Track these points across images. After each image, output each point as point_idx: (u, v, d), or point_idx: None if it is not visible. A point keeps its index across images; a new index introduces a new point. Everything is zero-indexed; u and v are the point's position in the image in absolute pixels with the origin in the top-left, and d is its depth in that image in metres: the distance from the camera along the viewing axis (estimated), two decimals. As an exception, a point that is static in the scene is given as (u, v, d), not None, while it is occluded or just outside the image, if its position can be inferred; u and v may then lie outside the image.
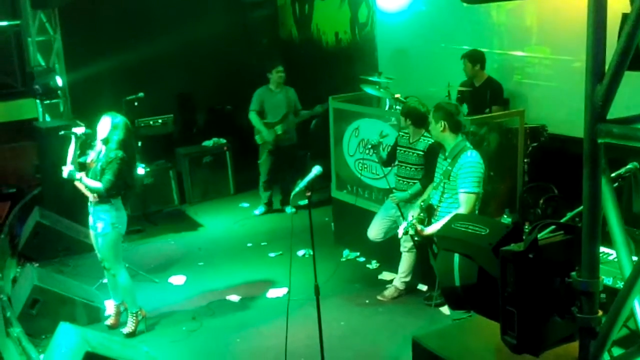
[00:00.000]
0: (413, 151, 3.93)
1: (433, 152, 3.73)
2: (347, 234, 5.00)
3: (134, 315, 3.83)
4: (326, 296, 3.91)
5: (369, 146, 4.21)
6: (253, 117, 5.64)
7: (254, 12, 8.14)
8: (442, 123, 3.35)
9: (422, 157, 3.87)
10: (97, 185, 3.60)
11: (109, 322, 3.93)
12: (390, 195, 4.00)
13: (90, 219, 3.76)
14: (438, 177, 3.47)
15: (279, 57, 5.86)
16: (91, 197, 3.68)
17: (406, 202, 3.91)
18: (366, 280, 4.45)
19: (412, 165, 3.93)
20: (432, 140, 3.77)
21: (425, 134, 3.88)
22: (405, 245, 4.00)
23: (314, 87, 6.88)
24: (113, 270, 3.81)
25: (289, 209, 5.67)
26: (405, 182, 3.96)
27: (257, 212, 5.92)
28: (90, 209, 3.73)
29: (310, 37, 7.52)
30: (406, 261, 4.07)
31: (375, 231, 4.13)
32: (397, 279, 4.14)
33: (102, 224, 3.68)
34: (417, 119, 3.87)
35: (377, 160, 4.28)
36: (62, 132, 3.88)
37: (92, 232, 3.80)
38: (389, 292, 4.14)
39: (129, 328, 3.81)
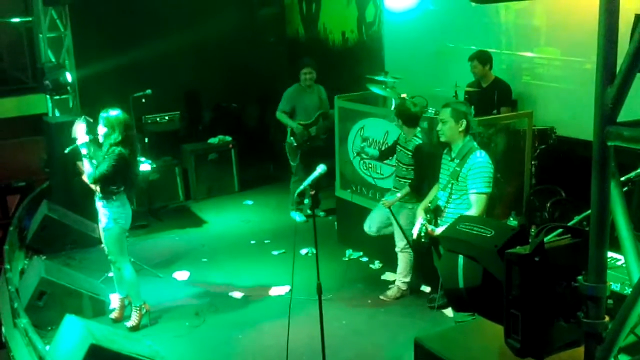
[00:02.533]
0: (406, 151, 3.95)
1: (420, 153, 3.75)
2: (351, 234, 4.98)
3: (138, 309, 3.85)
4: (328, 295, 3.92)
5: (355, 153, 4.26)
6: (281, 116, 5.40)
7: (262, 10, 8.15)
8: (464, 122, 3.33)
9: (411, 157, 3.87)
10: (90, 170, 3.62)
11: (114, 315, 3.95)
12: (382, 200, 4.02)
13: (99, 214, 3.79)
14: (445, 178, 3.45)
15: (309, 56, 5.61)
16: (95, 188, 3.70)
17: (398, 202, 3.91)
18: (369, 280, 4.44)
19: (404, 165, 3.96)
20: (421, 141, 3.78)
21: (417, 134, 3.89)
22: (399, 244, 4.01)
23: (321, 86, 6.86)
24: (118, 264, 3.84)
25: (298, 216, 5.54)
26: (401, 182, 3.98)
27: (298, 218, 5.57)
28: (96, 203, 3.76)
29: (317, 35, 7.51)
30: (402, 261, 4.07)
31: (368, 224, 4.15)
32: (398, 279, 4.13)
33: (106, 219, 3.72)
34: (407, 118, 3.88)
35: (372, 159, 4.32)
36: (67, 150, 3.84)
37: (99, 226, 3.83)
38: (392, 292, 4.13)
39: (132, 322, 3.84)
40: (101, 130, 3.65)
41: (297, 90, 5.46)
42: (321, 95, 5.50)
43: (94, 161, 3.65)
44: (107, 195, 3.69)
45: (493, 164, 3.40)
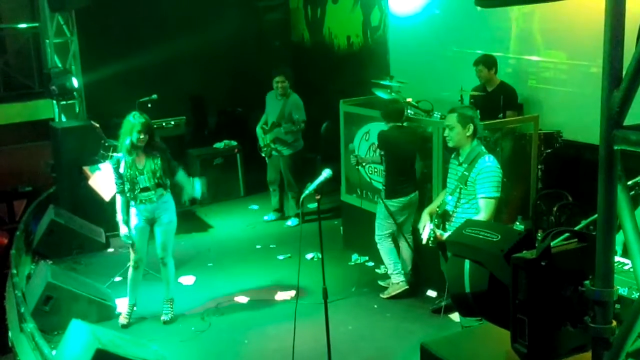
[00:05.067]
0: None
1: (381, 138, 4.03)
2: (356, 238, 4.98)
3: (171, 302, 3.98)
4: (334, 300, 3.91)
5: (355, 165, 4.39)
6: (262, 119, 5.66)
7: (267, 15, 8.19)
8: (471, 127, 3.34)
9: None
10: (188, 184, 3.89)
11: (124, 321, 3.96)
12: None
13: (135, 219, 3.80)
14: (453, 183, 3.45)
15: (283, 64, 5.77)
16: (154, 195, 3.79)
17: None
18: (374, 284, 4.43)
19: (383, 156, 4.12)
20: (383, 129, 4.04)
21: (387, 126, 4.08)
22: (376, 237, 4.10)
23: (325, 91, 6.89)
24: (166, 259, 3.93)
25: (292, 221, 5.65)
26: (383, 174, 4.13)
27: (266, 217, 5.86)
28: (144, 205, 3.77)
29: (322, 40, 7.54)
30: (380, 252, 4.13)
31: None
32: (390, 275, 4.16)
33: (169, 213, 3.85)
34: (386, 114, 4.06)
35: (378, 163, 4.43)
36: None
37: (134, 231, 3.82)
38: (390, 289, 4.16)
39: (169, 315, 3.95)
40: (144, 136, 3.70)
41: (270, 96, 5.60)
42: (287, 105, 5.43)
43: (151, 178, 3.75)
44: (166, 188, 3.82)
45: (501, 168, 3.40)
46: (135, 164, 3.73)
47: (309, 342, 3.48)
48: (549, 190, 4.30)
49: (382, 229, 4.09)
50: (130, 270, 3.94)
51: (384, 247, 4.11)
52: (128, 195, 3.78)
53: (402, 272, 4.10)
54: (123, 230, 3.84)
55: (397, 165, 4.01)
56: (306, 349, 3.44)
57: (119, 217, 3.85)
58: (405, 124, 4.10)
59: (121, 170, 3.75)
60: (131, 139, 3.69)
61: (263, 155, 5.62)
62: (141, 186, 3.75)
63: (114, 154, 3.86)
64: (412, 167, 4.14)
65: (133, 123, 3.70)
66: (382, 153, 4.04)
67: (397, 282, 4.10)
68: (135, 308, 4.02)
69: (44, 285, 3.91)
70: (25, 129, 7.02)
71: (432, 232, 3.43)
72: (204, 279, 4.69)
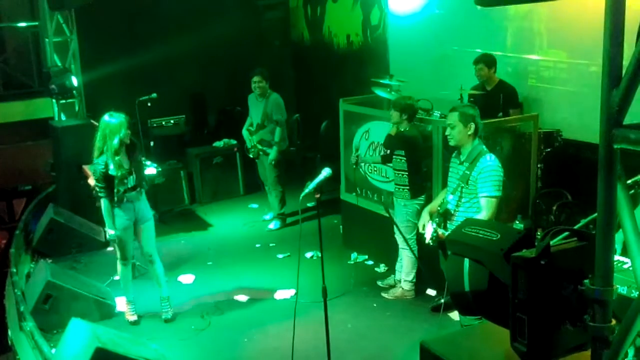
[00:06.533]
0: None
1: (408, 140, 3.99)
2: (356, 237, 4.98)
3: (168, 299, 3.97)
4: (334, 298, 3.91)
5: (353, 164, 4.35)
6: (247, 122, 5.62)
7: (267, 14, 8.19)
8: (473, 126, 3.33)
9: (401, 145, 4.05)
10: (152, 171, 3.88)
11: (132, 318, 3.97)
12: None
13: (121, 219, 3.77)
14: (455, 182, 3.44)
15: (259, 65, 5.70)
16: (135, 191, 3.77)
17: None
18: (374, 283, 4.43)
19: (399, 156, 4.04)
20: (407, 128, 3.99)
21: (406, 127, 4.04)
22: (398, 242, 4.05)
23: (325, 90, 6.89)
24: (154, 256, 3.93)
25: (274, 224, 5.62)
26: (398, 175, 4.06)
27: (266, 217, 5.84)
28: (130, 204, 3.76)
29: (321, 39, 7.53)
30: (404, 259, 4.10)
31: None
32: (402, 279, 4.16)
33: (148, 210, 3.88)
34: (413, 113, 4.03)
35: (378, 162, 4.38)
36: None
37: (123, 231, 3.80)
38: (394, 290, 4.16)
39: (169, 313, 3.94)
40: (129, 131, 3.74)
41: (251, 98, 5.58)
42: (267, 106, 5.40)
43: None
44: (143, 188, 3.84)
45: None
46: (123, 164, 3.71)
47: (308, 341, 3.48)
48: (548, 189, 4.30)
49: (410, 230, 4.02)
50: (120, 267, 3.94)
51: (412, 253, 4.04)
52: (115, 196, 3.71)
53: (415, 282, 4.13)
54: (112, 232, 3.79)
55: (419, 164, 4.02)
56: (306, 348, 3.44)
57: (110, 230, 3.75)
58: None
59: (111, 171, 3.68)
60: (120, 138, 3.64)
61: (251, 156, 5.61)
62: (129, 185, 3.72)
63: (96, 159, 3.72)
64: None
65: (119, 121, 3.68)
66: (403, 153, 3.98)
67: (409, 289, 4.13)
68: (134, 303, 4.02)
69: (43, 284, 3.91)
70: (24, 128, 7.02)
71: (434, 231, 3.43)
72: (204, 277, 4.69)
